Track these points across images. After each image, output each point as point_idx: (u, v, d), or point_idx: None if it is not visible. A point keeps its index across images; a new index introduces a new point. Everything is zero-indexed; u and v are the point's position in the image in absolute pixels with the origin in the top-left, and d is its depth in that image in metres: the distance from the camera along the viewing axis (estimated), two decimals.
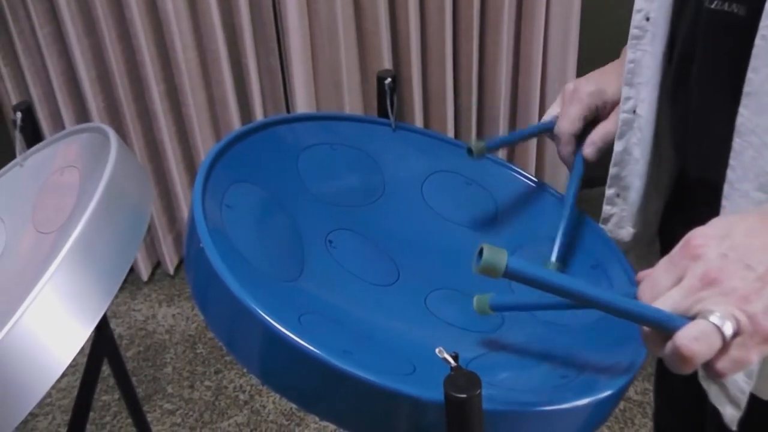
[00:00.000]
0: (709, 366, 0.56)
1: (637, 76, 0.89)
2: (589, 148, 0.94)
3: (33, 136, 1.13)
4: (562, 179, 2.69)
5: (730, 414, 0.79)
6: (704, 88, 0.80)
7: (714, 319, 0.54)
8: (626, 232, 0.98)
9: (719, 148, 0.75)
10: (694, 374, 1.04)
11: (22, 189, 1.04)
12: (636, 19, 0.87)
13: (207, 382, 2.21)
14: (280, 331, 0.60)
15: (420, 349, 0.71)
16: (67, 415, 2.10)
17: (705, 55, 0.79)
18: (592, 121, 0.96)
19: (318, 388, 0.62)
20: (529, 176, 1.04)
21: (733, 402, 0.78)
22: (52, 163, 1.05)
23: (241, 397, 2.15)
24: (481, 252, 0.54)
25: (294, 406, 2.05)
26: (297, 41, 2.25)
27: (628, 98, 0.90)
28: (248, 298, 0.62)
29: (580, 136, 0.96)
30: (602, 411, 0.68)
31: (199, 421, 2.08)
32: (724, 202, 0.74)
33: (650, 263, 0.63)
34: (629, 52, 0.89)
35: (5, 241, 1.00)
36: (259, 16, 2.26)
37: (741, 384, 0.77)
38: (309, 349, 0.59)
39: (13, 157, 1.09)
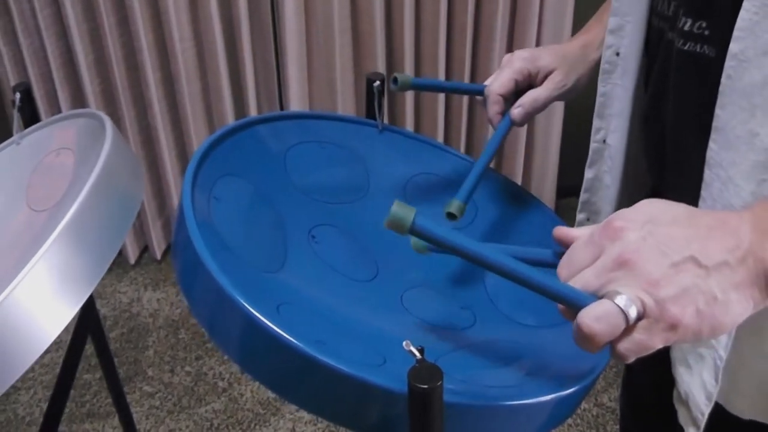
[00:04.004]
0: (612, 347, 0.56)
1: (608, 108, 0.91)
2: (516, 110, 0.96)
3: (31, 116, 1.16)
4: (548, 187, 2.73)
5: None
6: (677, 122, 0.83)
7: (619, 300, 0.54)
8: None
9: (693, 180, 0.77)
10: (660, 382, 1.08)
11: (18, 167, 1.06)
12: (606, 54, 0.90)
13: (187, 368, 2.23)
14: (258, 318, 0.63)
15: (392, 343, 0.73)
16: (49, 391, 2.12)
17: (677, 93, 0.81)
18: (525, 88, 0.97)
19: (291, 375, 0.64)
20: (511, 181, 1.06)
21: (695, 423, 0.81)
22: (48, 144, 1.06)
23: (220, 384, 2.17)
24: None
25: (271, 395, 2.08)
26: (293, 38, 2.27)
27: (598, 129, 0.93)
28: (229, 286, 0.64)
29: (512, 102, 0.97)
30: (565, 408, 0.70)
31: (177, 405, 2.10)
32: None
33: None
34: (600, 86, 0.91)
35: None
36: (257, 10, 2.29)
37: (702, 407, 0.80)
38: (284, 336, 0.62)
39: (10, 136, 1.11)
